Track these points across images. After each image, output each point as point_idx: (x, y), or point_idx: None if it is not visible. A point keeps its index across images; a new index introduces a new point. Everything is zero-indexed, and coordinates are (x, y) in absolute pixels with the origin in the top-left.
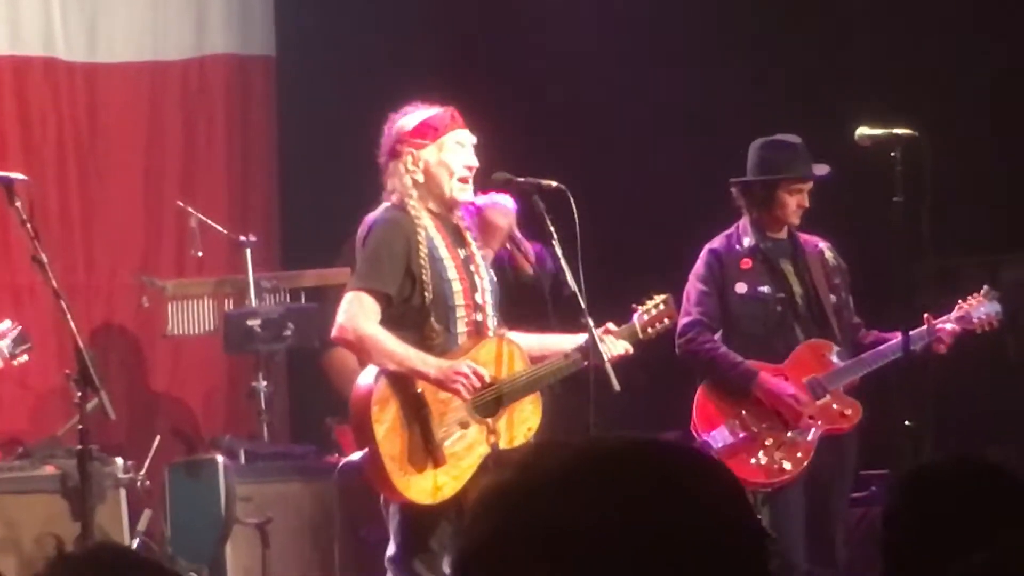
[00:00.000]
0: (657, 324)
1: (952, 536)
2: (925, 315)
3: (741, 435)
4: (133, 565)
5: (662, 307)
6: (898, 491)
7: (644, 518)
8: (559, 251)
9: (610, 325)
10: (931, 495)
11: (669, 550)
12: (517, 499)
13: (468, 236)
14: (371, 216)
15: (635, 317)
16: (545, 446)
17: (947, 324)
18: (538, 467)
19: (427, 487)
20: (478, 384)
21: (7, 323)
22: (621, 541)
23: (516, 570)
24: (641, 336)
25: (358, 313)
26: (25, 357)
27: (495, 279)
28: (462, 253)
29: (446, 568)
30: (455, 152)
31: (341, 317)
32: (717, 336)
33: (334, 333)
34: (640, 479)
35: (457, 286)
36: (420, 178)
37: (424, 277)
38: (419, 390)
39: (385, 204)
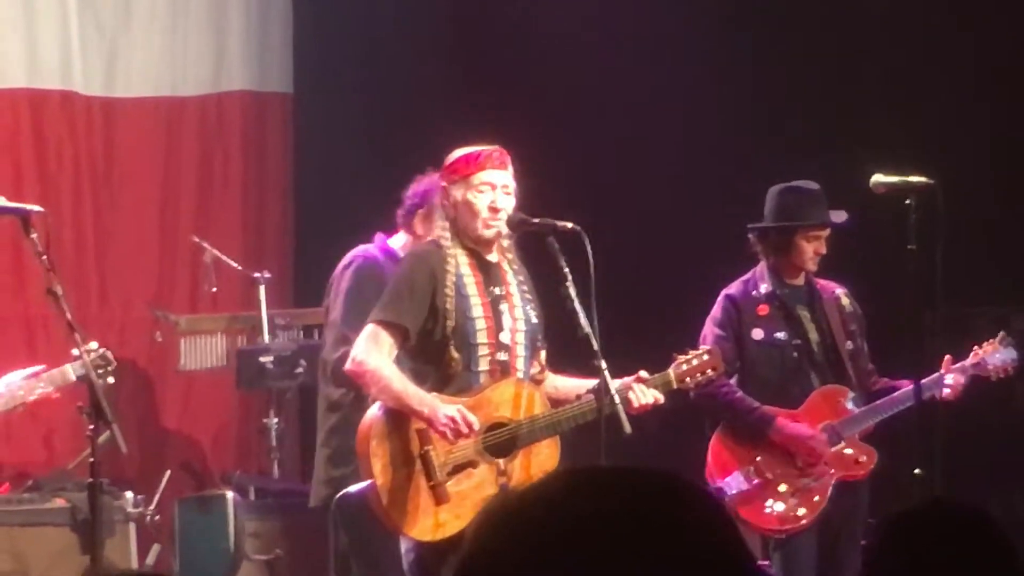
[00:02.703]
0: (698, 375)
1: None
2: (947, 357)
3: (756, 481)
4: None
5: (706, 358)
6: (881, 536)
7: (641, 548)
8: (573, 293)
9: (642, 373)
10: (913, 540)
11: None
12: (515, 526)
13: (508, 276)
14: (350, 256)
15: (672, 367)
16: (548, 475)
17: (958, 374)
18: (537, 495)
19: (427, 524)
20: (465, 431)
21: (93, 345)
22: (616, 571)
23: None
24: (676, 386)
25: (371, 347)
26: (111, 380)
27: (535, 321)
28: (494, 291)
29: None
30: (482, 193)
31: (355, 350)
32: (732, 381)
33: (348, 365)
34: (640, 508)
35: (481, 324)
36: (452, 213)
37: (448, 312)
38: (423, 426)
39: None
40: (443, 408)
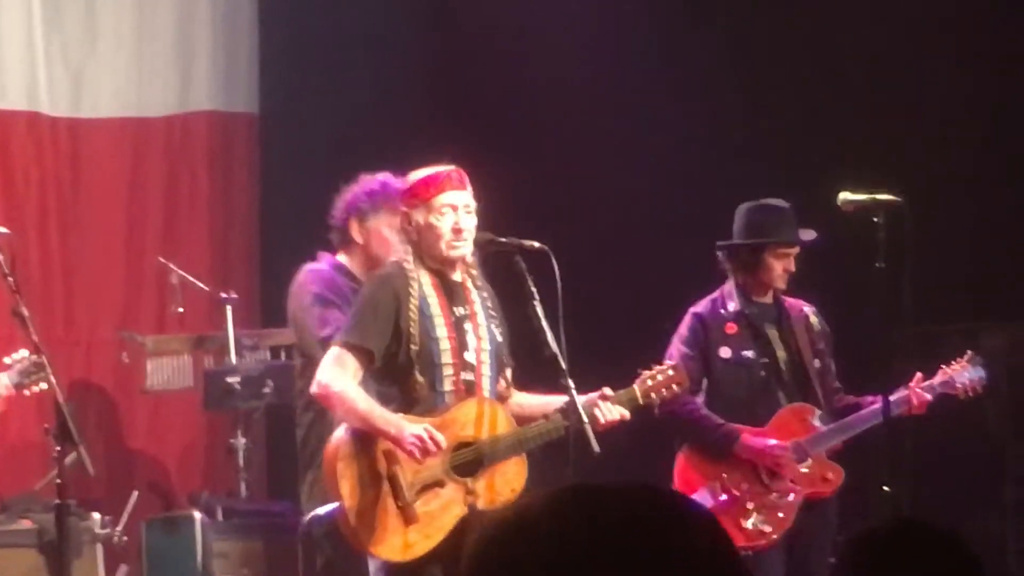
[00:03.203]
0: (663, 390)
1: None
2: (917, 374)
3: (722, 498)
4: None
5: (670, 373)
6: (847, 554)
7: (634, 566)
8: (540, 312)
9: (606, 390)
10: (879, 559)
11: None
12: (507, 544)
13: (472, 295)
14: (307, 271)
15: (636, 383)
16: (538, 494)
17: (925, 392)
18: (529, 514)
19: (396, 544)
20: (433, 449)
21: (23, 352)
22: None
23: None
24: (642, 402)
25: (335, 369)
26: (43, 385)
27: (500, 340)
28: (458, 311)
29: None
30: (444, 215)
31: (319, 373)
32: (699, 399)
33: (313, 388)
34: (632, 526)
35: (445, 344)
36: (414, 236)
37: (412, 333)
38: (389, 448)
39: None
40: (410, 427)
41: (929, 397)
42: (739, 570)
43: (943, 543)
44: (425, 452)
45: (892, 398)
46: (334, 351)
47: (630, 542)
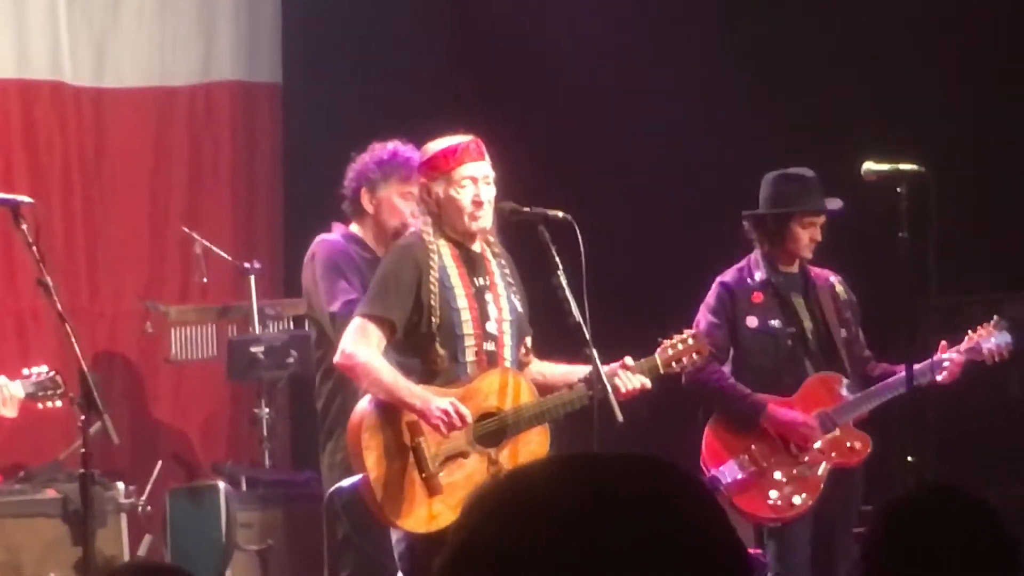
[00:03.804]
0: (684, 359)
1: (930, 569)
2: (942, 342)
3: (750, 470)
4: None
5: (691, 342)
6: (878, 522)
7: (629, 533)
8: (564, 282)
9: (627, 360)
10: (910, 527)
11: (650, 567)
12: (504, 511)
13: (492, 265)
14: (319, 241)
15: (658, 352)
16: (535, 461)
17: (954, 354)
18: (527, 481)
19: (422, 516)
20: (459, 424)
21: (42, 368)
22: (607, 557)
23: None
24: (663, 371)
25: (359, 340)
26: (58, 403)
27: (519, 310)
28: (478, 282)
29: None
30: (465, 188)
31: (343, 343)
32: (726, 368)
33: (336, 358)
34: (628, 495)
35: (466, 315)
36: (434, 208)
37: (433, 304)
38: (414, 419)
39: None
40: (436, 401)
41: (960, 362)
42: (737, 550)
43: (982, 514)
44: (451, 426)
45: (918, 367)
46: (356, 321)
47: (629, 517)
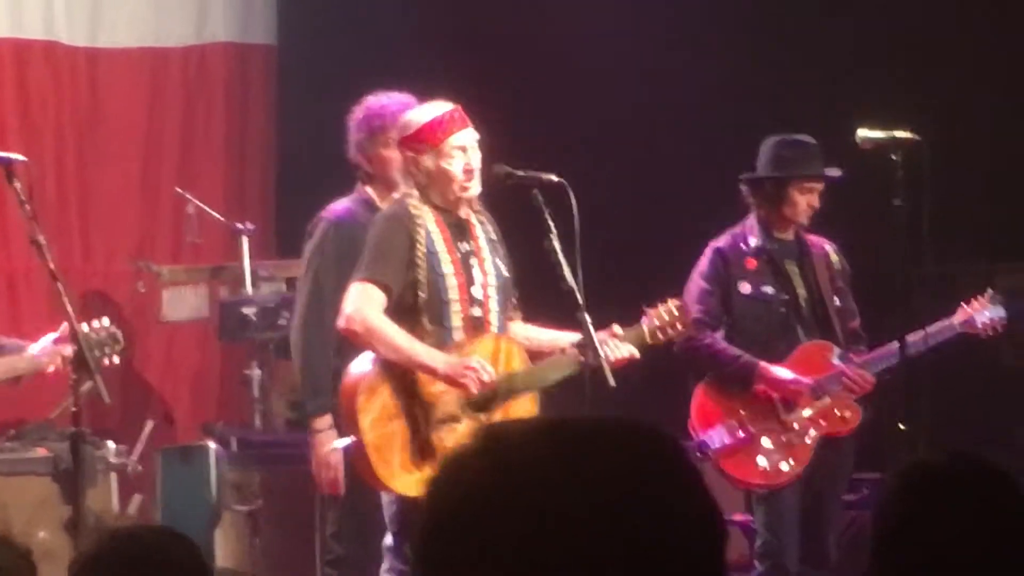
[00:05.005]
0: (669, 330)
1: (943, 532)
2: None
3: (739, 435)
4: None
5: (675, 312)
6: (892, 485)
7: (604, 500)
8: (557, 246)
9: (616, 328)
10: (925, 490)
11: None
12: (479, 475)
13: (476, 230)
14: (330, 209)
15: (644, 321)
16: (504, 423)
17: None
18: (500, 444)
19: (412, 479)
20: (487, 379)
21: (104, 321)
22: (581, 522)
23: (477, 549)
24: (649, 340)
25: (366, 304)
26: (115, 359)
27: (505, 274)
28: (463, 247)
29: None
30: (455, 158)
31: (349, 308)
32: (719, 334)
33: (341, 323)
34: (603, 459)
35: (452, 280)
36: (423, 180)
37: (419, 275)
38: (410, 382)
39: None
40: (461, 359)
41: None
42: (712, 515)
43: (991, 476)
44: (480, 384)
45: (908, 338)
46: (357, 286)
47: (602, 481)
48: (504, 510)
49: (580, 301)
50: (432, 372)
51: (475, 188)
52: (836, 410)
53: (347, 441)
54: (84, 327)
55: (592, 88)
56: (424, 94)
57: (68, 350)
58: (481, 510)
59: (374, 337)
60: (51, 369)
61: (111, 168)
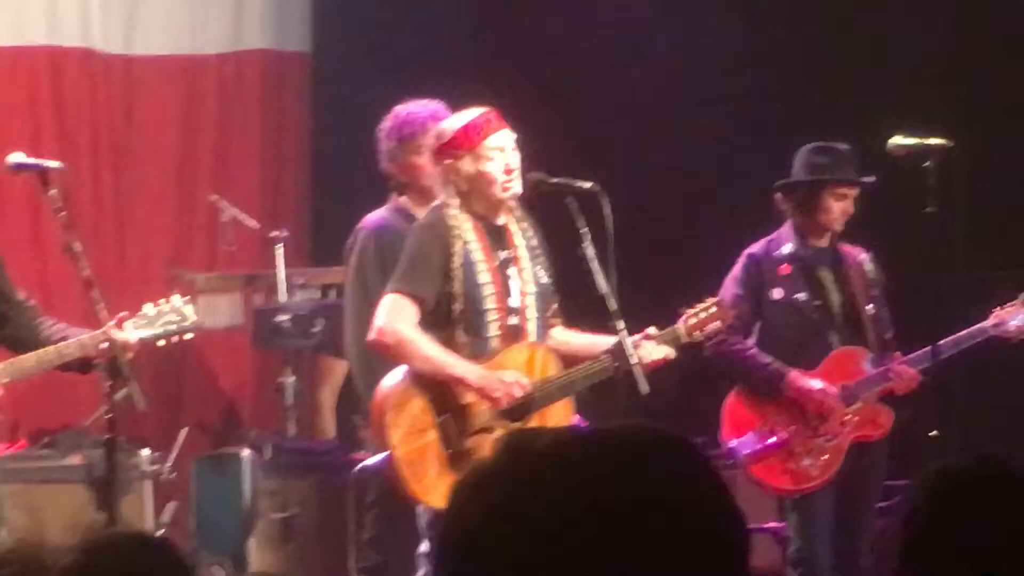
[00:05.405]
0: (706, 327)
1: (970, 537)
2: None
3: (770, 440)
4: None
5: (713, 310)
6: (920, 489)
7: (626, 515)
8: (591, 253)
9: (651, 330)
10: (953, 495)
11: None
12: (501, 491)
13: (516, 237)
14: (367, 220)
15: (680, 321)
16: (525, 433)
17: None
18: (522, 459)
19: (446, 491)
20: (519, 394)
21: (175, 299)
22: (603, 540)
23: (499, 566)
24: (686, 340)
25: (397, 317)
26: (188, 336)
27: (544, 281)
28: (501, 255)
29: None
30: (493, 159)
31: (380, 320)
32: (750, 340)
33: (372, 336)
34: (625, 474)
35: (489, 289)
36: (463, 187)
37: (455, 286)
38: (443, 393)
39: (388, 207)
40: (495, 373)
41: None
42: (738, 528)
43: (1020, 483)
44: (512, 398)
45: (941, 343)
46: (389, 298)
47: (627, 494)
48: (526, 527)
49: (613, 307)
50: (465, 384)
51: (517, 187)
52: (868, 415)
53: (379, 457)
54: (150, 308)
55: (627, 95)
56: (458, 102)
57: (122, 334)
58: (503, 527)
59: (405, 350)
60: (104, 346)
61: (146, 175)
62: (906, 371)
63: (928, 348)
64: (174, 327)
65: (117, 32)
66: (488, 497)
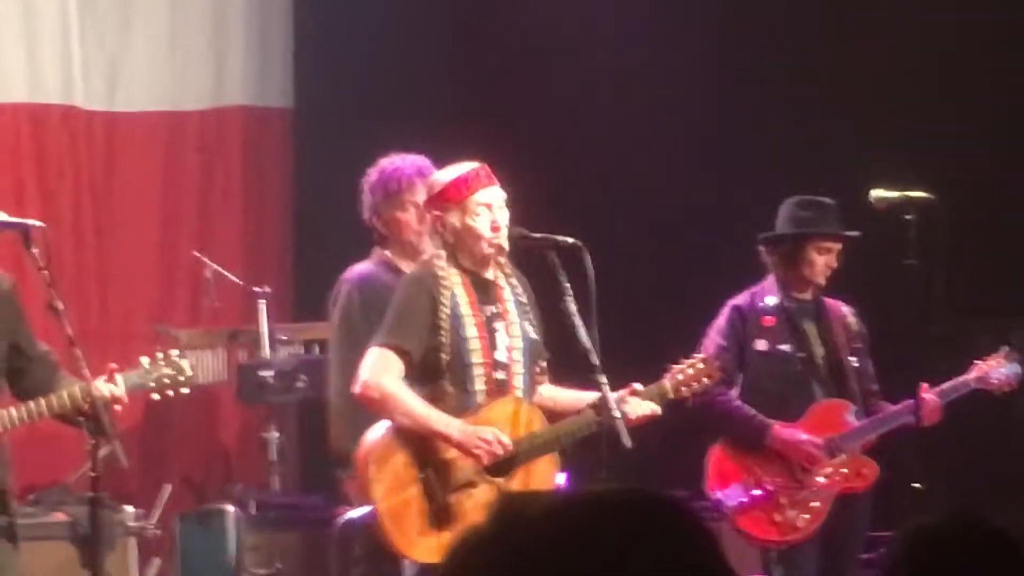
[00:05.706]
0: (694, 384)
1: None
2: (923, 384)
3: (755, 492)
4: None
5: (701, 366)
6: (898, 547)
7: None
8: (573, 308)
9: (636, 385)
10: (931, 553)
11: None
12: (493, 560)
13: (505, 292)
14: (350, 272)
15: (667, 376)
16: (518, 498)
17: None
18: (513, 526)
19: (431, 546)
20: (500, 452)
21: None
22: None
23: None
24: (672, 396)
25: (383, 370)
26: (183, 390)
27: (533, 337)
28: (489, 310)
29: None
30: (480, 215)
31: (365, 374)
32: (733, 392)
33: (357, 389)
34: (617, 535)
35: (475, 344)
36: (450, 239)
37: (443, 338)
38: (426, 448)
39: (373, 259)
40: (476, 429)
41: (938, 402)
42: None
43: (998, 540)
44: (492, 456)
45: (899, 407)
46: (375, 351)
47: (618, 559)
48: None
49: (595, 362)
50: (447, 439)
51: (503, 243)
52: (853, 467)
53: (364, 511)
54: (147, 361)
55: (605, 150)
56: (440, 156)
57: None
58: None
59: (389, 404)
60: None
61: (128, 232)
62: (933, 400)
63: (952, 381)
64: (169, 381)
65: (99, 89)
66: (482, 563)
